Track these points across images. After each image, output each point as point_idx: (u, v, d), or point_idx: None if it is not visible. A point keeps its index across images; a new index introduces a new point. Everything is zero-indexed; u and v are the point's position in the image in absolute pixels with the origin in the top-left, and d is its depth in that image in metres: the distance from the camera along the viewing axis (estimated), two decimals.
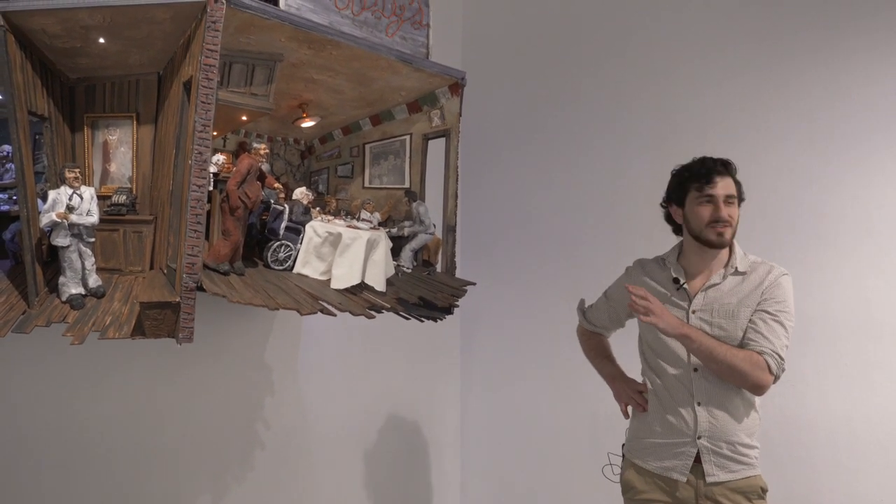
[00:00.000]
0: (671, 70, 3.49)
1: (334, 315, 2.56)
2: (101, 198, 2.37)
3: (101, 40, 2.30)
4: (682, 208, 2.28)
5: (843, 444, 2.94)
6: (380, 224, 3.08)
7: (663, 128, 3.48)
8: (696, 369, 2.21)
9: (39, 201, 2.20)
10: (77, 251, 2.21)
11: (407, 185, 3.17)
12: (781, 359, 2.13)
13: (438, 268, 3.20)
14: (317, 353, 3.42)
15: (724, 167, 2.22)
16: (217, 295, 2.32)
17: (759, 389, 2.15)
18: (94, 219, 2.22)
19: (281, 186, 2.85)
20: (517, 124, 4.04)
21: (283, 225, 2.76)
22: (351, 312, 2.61)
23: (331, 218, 2.93)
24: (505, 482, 4.01)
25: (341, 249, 2.76)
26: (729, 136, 3.22)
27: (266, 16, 2.36)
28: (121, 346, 2.38)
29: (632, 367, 2.50)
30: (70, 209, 2.17)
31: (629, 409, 2.45)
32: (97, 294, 2.25)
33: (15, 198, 2.20)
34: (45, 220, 2.15)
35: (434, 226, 3.16)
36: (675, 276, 2.30)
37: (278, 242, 2.74)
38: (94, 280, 2.26)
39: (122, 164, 2.48)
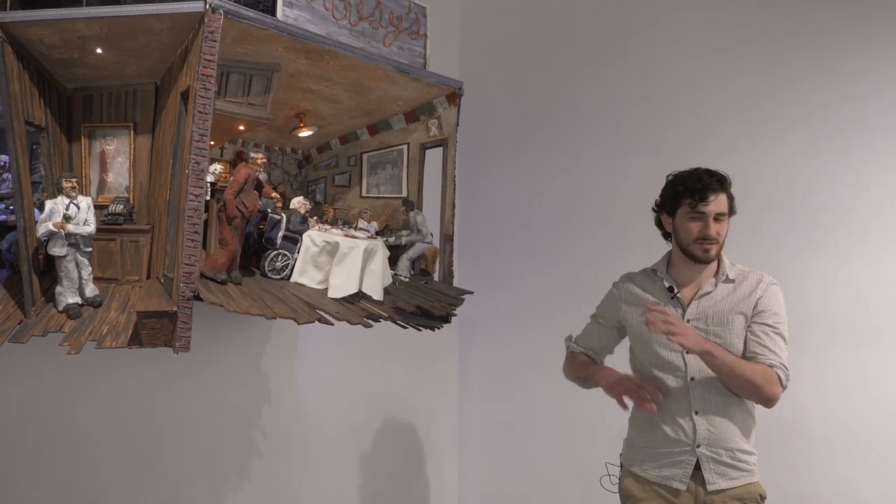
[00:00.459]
0: (668, 78, 3.50)
1: (332, 324, 2.56)
2: (98, 207, 2.37)
3: (99, 51, 2.31)
4: (672, 218, 2.28)
5: (840, 450, 2.93)
6: (377, 233, 3.08)
7: (661, 135, 3.49)
8: (692, 378, 2.21)
9: (36, 211, 2.20)
10: (74, 261, 2.21)
11: (404, 194, 3.17)
12: (787, 370, 2.16)
13: (436, 277, 3.20)
14: (314, 363, 3.41)
15: (720, 183, 2.20)
16: (214, 304, 2.31)
17: (771, 402, 2.16)
18: (90, 228, 2.22)
19: (278, 196, 2.85)
20: (514, 133, 4.05)
21: (281, 234, 2.76)
22: (348, 321, 2.61)
23: (328, 227, 2.93)
24: (502, 491, 3.99)
25: (339, 258, 2.76)
26: (727, 141, 3.23)
27: (264, 26, 2.37)
28: (118, 355, 2.37)
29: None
30: (67, 219, 2.17)
31: (630, 410, 2.41)
32: (94, 303, 2.25)
33: (12, 208, 2.20)
34: (41, 230, 2.15)
35: (431, 235, 3.16)
36: (668, 285, 2.30)
37: (275, 252, 2.73)
38: (90, 289, 2.25)
39: (119, 174, 2.48)
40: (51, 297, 2.22)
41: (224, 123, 2.66)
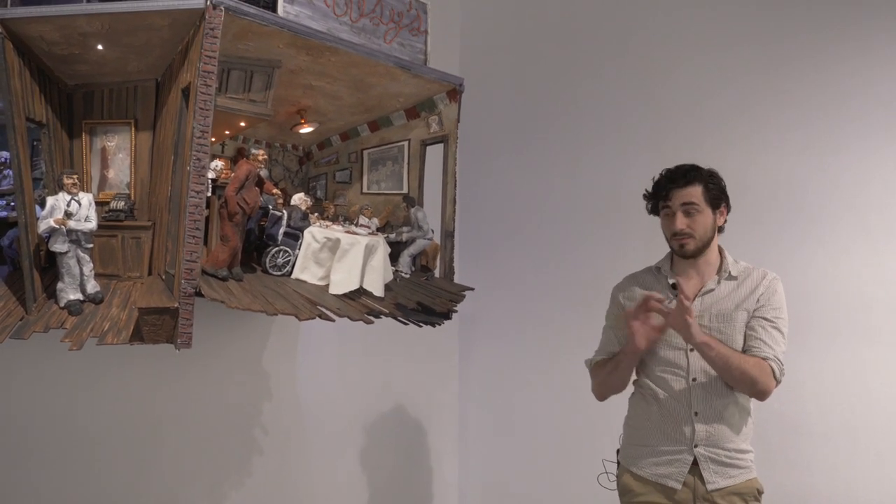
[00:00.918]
0: (669, 76, 3.50)
1: (333, 320, 2.56)
2: (100, 204, 2.38)
3: (100, 47, 2.31)
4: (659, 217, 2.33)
5: (840, 448, 2.94)
6: (378, 229, 3.08)
7: (661, 132, 3.49)
8: (694, 379, 2.22)
9: (37, 207, 2.21)
10: (75, 257, 2.21)
11: (405, 190, 3.18)
12: (782, 363, 2.17)
13: (437, 273, 3.20)
14: (315, 359, 3.41)
15: (684, 177, 2.22)
16: (215, 300, 2.32)
17: (764, 395, 2.17)
18: (92, 225, 2.22)
19: (279, 192, 2.85)
20: (515, 130, 4.05)
21: (282, 230, 2.76)
22: (349, 318, 2.61)
23: (329, 223, 2.93)
24: (503, 487, 4.00)
25: (340, 255, 2.77)
26: (727, 139, 3.23)
27: (264, 22, 2.37)
28: (119, 352, 2.38)
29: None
30: (68, 215, 2.17)
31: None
32: (95, 300, 2.26)
33: (13, 204, 2.21)
34: (43, 226, 2.15)
35: (432, 231, 3.16)
36: (671, 282, 2.30)
37: (277, 248, 2.74)
38: (92, 286, 2.26)
39: (120, 171, 2.49)
40: (52, 294, 2.22)
41: (225, 120, 2.67)
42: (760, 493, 2.23)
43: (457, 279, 3.24)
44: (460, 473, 4.18)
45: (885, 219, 2.91)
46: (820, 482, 2.97)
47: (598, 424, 3.41)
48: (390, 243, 3.01)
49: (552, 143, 3.89)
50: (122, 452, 2.73)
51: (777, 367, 2.15)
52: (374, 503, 3.67)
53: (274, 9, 2.44)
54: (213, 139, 2.48)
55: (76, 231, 2.20)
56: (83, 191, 2.24)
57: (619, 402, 2.46)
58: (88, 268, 2.25)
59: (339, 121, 3.10)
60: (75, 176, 2.22)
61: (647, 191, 2.33)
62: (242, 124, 2.80)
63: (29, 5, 2.12)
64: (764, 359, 2.14)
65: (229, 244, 2.54)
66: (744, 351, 2.19)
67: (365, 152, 3.20)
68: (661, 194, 2.26)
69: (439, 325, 3.03)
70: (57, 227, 2.15)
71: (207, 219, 2.48)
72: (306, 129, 2.99)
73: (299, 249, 2.76)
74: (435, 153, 3.19)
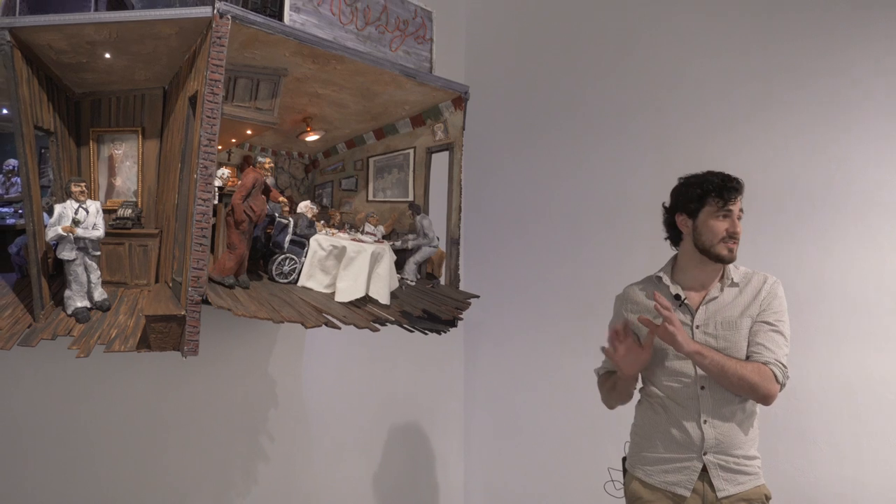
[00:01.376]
0: (673, 81, 3.50)
1: (339, 328, 2.56)
2: (107, 211, 2.39)
3: (107, 56, 2.32)
4: (692, 220, 2.28)
5: (846, 455, 2.92)
6: (384, 237, 3.08)
7: (666, 139, 3.49)
8: (702, 387, 2.21)
9: (45, 215, 2.22)
10: (83, 264, 2.22)
11: (411, 198, 3.18)
12: (785, 367, 2.16)
13: (442, 280, 3.20)
14: (321, 366, 3.41)
15: (740, 184, 2.25)
16: (222, 308, 2.32)
17: (767, 400, 2.16)
18: (99, 232, 2.23)
19: (285, 200, 2.86)
20: (520, 137, 4.05)
21: (288, 238, 2.76)
22: (355, 325, 2.61)
23: (335, 231, 2.94)
24: (508, 492, 3.99)
25: (345, 262, 2.77)
26: (731, 143, 3.23)
27: (271, 31, 2.38)
28: (126, 359, 2.38)
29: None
30: (76, 223, 2.18)
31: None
32: (103, 307, 2.26)
33: (21, 211, 2.22)
34: (50, 234, 2.16)
35: (438, 239, 3.16)
36: (675, 292, 2.30)
37: (283, 255, 2.74)
38: (99, 293, 2.27)
39: (127, 178, 2.50)
40: (60, 301, 2.23)
41: (231, 128, 2.67)
42: (768, 498, 2.22)
43: (462, 286, 3.24)
44: (465, 480, 4.17)
45: (892, 224, 2.90)
46: (826, 488, 2.96)
47: (603, 430, 3.41)
48: (396, 251, 3.01)
49: (557, 150, 3.89)
50: (129, 459, 2.73)
51: (779, 370, 2.14)
52: None
53: (280, 17, 2.46)
54: (220, 147, 2.49)
55: (84, 239, 2.21)
56: (91, 198, 2.25)
57: (624, 409, 2.46)
58: (96, 275, 2.26)
59: (345, 129, 3.10)
60: (83, 184, 2.23)
61: (701, 186, 2.26)
62: (249, 132, 2.81)
63: (37, 14, 2.13)
64: (765, 363, 2.14)
65: (236, 252, 2.55)
66: (746, 356, 2.18)
67: (371, 160, 3.20)
68: (725, 197, 2.22)
69: (445, 332, 3.03)
70: (65, 234, 2.16)
71: (214, 227, 2.49)
72: (312, 137, 3.00)
73: (305, 257, 2.77)
74: (440, 161, 3.19)
